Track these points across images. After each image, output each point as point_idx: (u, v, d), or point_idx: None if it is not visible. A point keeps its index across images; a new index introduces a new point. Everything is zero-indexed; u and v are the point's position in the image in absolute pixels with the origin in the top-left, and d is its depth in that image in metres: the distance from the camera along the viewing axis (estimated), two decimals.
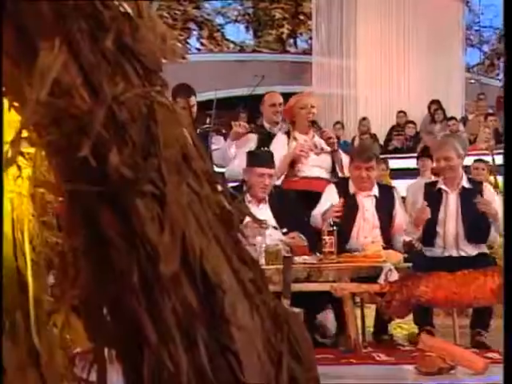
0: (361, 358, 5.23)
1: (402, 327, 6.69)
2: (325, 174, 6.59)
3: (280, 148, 6.53)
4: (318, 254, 5.71)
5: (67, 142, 1.41)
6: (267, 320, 1.51)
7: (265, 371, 1.44)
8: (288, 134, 6.68)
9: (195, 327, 1.40)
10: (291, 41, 20.09)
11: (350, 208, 6.18)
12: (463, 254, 5.84)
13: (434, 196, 6.07)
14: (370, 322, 6.21)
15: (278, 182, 6.46)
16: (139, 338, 1.38)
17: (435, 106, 15.01)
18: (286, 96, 16.99)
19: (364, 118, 15.17)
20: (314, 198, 6.29)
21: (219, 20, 20.04)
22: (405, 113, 15.34)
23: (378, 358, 5.30)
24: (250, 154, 6.40)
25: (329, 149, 6.57)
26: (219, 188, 1.58)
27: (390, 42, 16.30)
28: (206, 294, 1.42)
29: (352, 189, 6.30)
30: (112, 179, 1.39)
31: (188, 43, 19.64)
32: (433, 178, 6.60)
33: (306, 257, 5.65)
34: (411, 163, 12.27)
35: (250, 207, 6.06)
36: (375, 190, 6.34)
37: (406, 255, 5.87)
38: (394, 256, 5.65)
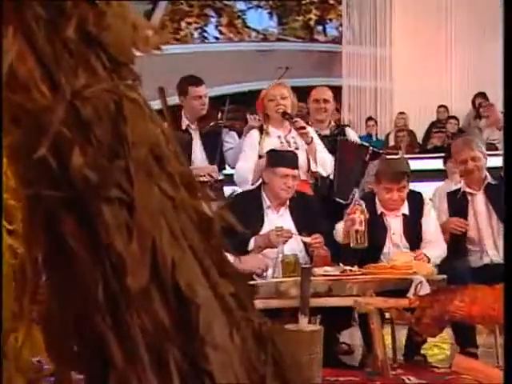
0: (388, 381, 5.21)
1: (440, 347, 6.67)
2: (302, 175, 6.49)
3: (250, 146, 6.53)
4: (341, 265, 5.68)
5: (26, 142, 1.41)
6: (250, 339, 1.50)
7: None
8: (261, 129, 6.62)
9: (167, 346, 1.39)
10: (320, 28, 19.98)
11: (376, 229, 6.09)
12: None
13: (459, 203, 6.07)
14: (402, 341, 6.19)
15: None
16: (104, 359, 1.38)
17: (480, 99, 14.88)
18: (311, 89, 17.00)
19: (401, 113, 15.07)
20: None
21: (240, 6, 19.95)
22: (446, 107, 15.23)
23: (407, 382, 5.27)
24: (272, 153, 6.41)
25: (305, 146, 6.55)
26: (199, 192, 1.57)
27: (428, 28, 16.18)
28: (179, 309, 1.42)
29: (379, 208, 6.22)
30: (75, 183, 1.39)
31: (205, 31, 19.64)
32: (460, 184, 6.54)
33: (327, 268, 5.62)
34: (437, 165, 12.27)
35: (269, 213, 6.09)
36: (404, 208, 6.23)
37: (438, 266, 5.85)
38: (425, 267, 5.61)
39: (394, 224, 6.19)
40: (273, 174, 6.01)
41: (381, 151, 7.57)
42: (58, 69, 1.38)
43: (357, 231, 5.92)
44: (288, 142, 6.51)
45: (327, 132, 7.15)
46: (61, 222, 1.40)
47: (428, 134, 14.78)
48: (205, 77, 19.08)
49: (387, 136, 14.80)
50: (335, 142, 7.00)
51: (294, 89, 17.39)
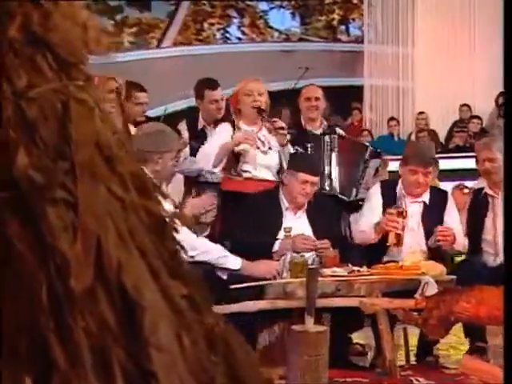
0: (396, 382, 5.20)
1: (456, 348, 6.63)
2: (272, 175, 6.49)
3: (220, 134, 6.48)
4: (350, 266, 5.67)
5: None
6: (201, 341, 1.49)
7: None
8: (233, 124, 6.53)
9: (111, 348, 1.39)
10: (342, 28, 19.93)
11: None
12: None
13: (481, 203, 6.06)
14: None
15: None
16: (49, 361, 1.38)
17: (504, 98, 14.78)
18: (336, 89, 17.04)
19: (421, 113, 15.02)
20: (248, 200, 6.19)
21: (262, 6, 19.93)
22: (469, 106, 15.15)
23: (415, 383, 5.26)
24: (294, 156, 6.42)
25: (277, 146, 6.51)
26: (153, 193, 1.56)
27: (452, 27, 16.12)
28: (125, 311, 1.41)
29: (400, 193, 6.28)
30: (19, 184, 1.39)
31: (228, 32, 19.62)
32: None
33: (335, 269, 5.61)
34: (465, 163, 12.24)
35: (287, 215, 6.09)
36: (426, 196, 6.29)
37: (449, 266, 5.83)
38: (434, 267, 5.59)
39: (413, 208, 6.23)
40: (293, 177, 6.00)
41: (379, 151, 7.54)
42: (1, 69, 1.38)
43: (398, 234, 6.00)
44: (260, 139, 6.43)
45: (320, 131, 7.12)
46: (5, 223, 1.40)
47: (450, 134, 14.73)
48: (227, 77, 19.20)
49: (409, 136, 14.78)
50: (330, 140, 6.96)
51: (336, 87, 17.12)
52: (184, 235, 5.01)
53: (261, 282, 5.32)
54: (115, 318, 1.41)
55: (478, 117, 14.73)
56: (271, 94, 17.56)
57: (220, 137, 6.41)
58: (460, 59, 15.97)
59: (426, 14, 16.13)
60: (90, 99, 1.50)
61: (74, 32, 1.49)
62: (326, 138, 6.95)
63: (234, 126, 6.47)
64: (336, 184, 6.91)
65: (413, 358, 6.13)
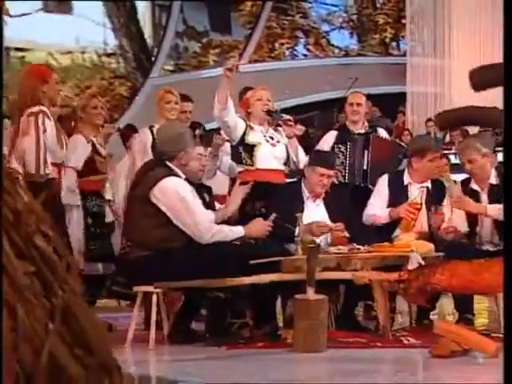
0: (387, 342, 5.10)
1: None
2: (281, 166, 6.37)
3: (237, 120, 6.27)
4: (355, 244, 5.59)
5: None
6: (39, 312, 1.47)
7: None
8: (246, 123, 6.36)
9: None
10: (394, 44, 19.71)
11: (399, 196, 6.14)
12: (497, 248, 5.65)
13: (469, 195, 5.91)
14: None
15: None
16: None
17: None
18: (386, 96, 16.82)
19: None
20: (270, 188, 6.10)
21: (325, 27, 19.84)
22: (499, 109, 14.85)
23: (405, 342, 5.16)
24: (315, 153, 6.41)
25: (284, 141, 6.41)
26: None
27: (483, 41, 15.80)
28: None
29: (407, 179, 6.24)
30: None
31: (295, 50, 19.61)
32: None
33: (340, 247, 5.54)
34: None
35: (308, 203, 6.06)
36: (428, 183, 6.22)
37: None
38: (423, 246, 5.46)
39: (417, 193, 6.15)
40: (312, 171, 5.99)
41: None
42: None
43: (410, 223, 6.00)
44: (270, 136, 6.38)
45: (362, 131, 7.07)
46: None
47: (480, 132, 14.47)
48: (295, 88, 19.11)
49: (444, 134, 14.53)
50: (368, 138, 6.96)
51: (371, 96, 17.23)
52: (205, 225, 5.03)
53: (276, 258, 5.26)
54: None
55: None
56: (330, 101, 17.52)
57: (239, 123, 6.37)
58: None
59: (460, 28, 15.85)
60: None
61: None
62: (361, 138, 6.93)
63: (246, 125, 6.31)
64: (367, 176, 6.91)
65: (413, 322, 6.03)
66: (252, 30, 18.57)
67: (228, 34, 19.48)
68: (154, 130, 6.39)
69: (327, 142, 6.94)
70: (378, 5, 20.15)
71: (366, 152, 6.87)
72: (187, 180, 5.48)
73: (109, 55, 18.74)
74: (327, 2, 20.17)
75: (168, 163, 5.38)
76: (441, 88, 16.05)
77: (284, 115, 6.67)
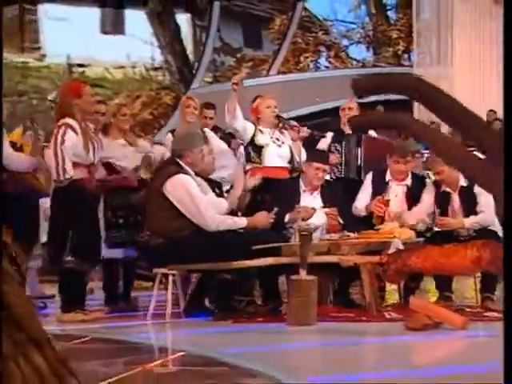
0: (372, 317, 5.07)
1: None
2: (285, 164, 6.36)
3: (246, 123, 6.29)
4: (345, 232, 5.55)
5: None
6: None
7: None
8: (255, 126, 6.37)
9: None
10: (406, 56, 19.51)
11: (381, 193, 6.04)
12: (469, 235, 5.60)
13: (441, 196, 5.83)
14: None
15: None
16: None
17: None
18: (397, 101, 16.68)
19: None
20: (274, 183, 6.07)
21: (344, 42, 19.75)
22: (494, 111, 14.58)
23: (388, 316, 5.11)
24: (311, 151, 6.39)
25: (289, 142, 6.38)
26: None
27: (481, 52, 15.58)
28: None
29: (388, 177, 6.17)
30: None
31: (318, 62, 19.53)
32: None
33: (333, 234, 5.51)
34: None
35: (305, 195, 6.03)
36: (408, 180, 6.15)
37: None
38: (405, 233, 5.41)
39: (398, 190, 6.09)
40: (309, 166, 5.96)
41: None
42: None
43: (380, 216, 5.92)
44: (276, 138, 6.37)
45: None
46: None
47: None
48: (319, 96, 18.96)
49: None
50: (360, 137, 6.91)
51: (384, 102, 17.07)
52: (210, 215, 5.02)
53: (277, 244, 5.25)
54: None
55: (499, 119, 14.18)
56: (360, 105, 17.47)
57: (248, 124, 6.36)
58: (488, 74, 15.40)
59: (460, 41, 15.65)
60: None
61: None
62: (354, 137, 6.89)
63: (256, 128, 6.33)
64: (361, 171, 6.84)
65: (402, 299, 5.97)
66: (280, 46, 18.52)
67: (259, 49, 19.51)
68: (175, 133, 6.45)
69: (325, 141, 6.91)
70: (392, 22, 20.00)
71: (359, 149, 6.85)
72: (198, 175, 5.51)
73: (156, 69, 18.88)
74: (346, 20, 20.10)
75: (179, 161, 5.40)
76: None
77: (291, 121, 6.68)
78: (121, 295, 6.20)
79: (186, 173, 5.35)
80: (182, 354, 3.85)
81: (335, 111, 18.73)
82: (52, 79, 17.88)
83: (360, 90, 1.47)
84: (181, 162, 5.41)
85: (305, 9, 18.78)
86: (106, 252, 5.95)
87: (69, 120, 5.54)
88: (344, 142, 6.89)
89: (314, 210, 5.80)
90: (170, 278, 5.28)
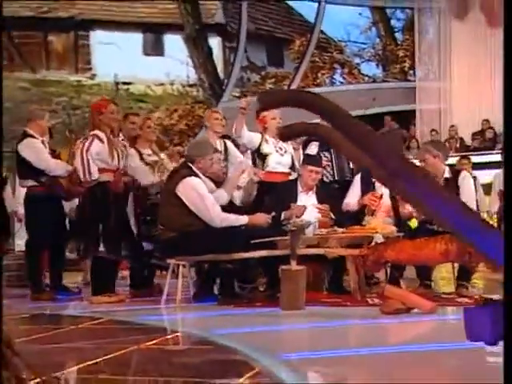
0: (356, 302, 5.03)
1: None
2: (286, 169, 6.33)
3: (253, 135, 6.29)
4: (335, 227, 5.51)
5: None
6: None
7: None
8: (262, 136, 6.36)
9: None
10: (411, 72, 19.31)
11: (368, 191, 6.00)
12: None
13: None
14: None
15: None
16: None
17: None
18: (403, 112, 16.56)
19: (452, 126, 14.40)
20: (275, 186, 6.05)
21: (356, 60, 19.61)
22: (488, 120, 14.40)
23: (370, 302, 5.06)
24: (306, 156, 6.36)
25: (291, 150, 6.36)
26: None
27: (479, 68, 15.36)
28: None
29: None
30: None
31: (334, 78, 19.45)
32: None
33: (322, 229, 5.48)
34: (490, 158, 11.87)
35: (301, 195, 6.00)
36: None
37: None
38: (387, 228, 5.35)
39: (384, 190, 6.01)
40: (304, 169, 5.95)
41: None
42: None
43: (374, 209, 5.88)
44: (280, 147, 6.34)
45: None
46: None
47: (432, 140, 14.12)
48: None
49: (445, 141, 14.19)
50: None
51: (392, 113, 16.89)
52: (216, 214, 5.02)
53: (273, 238, 5.23)
54: None
55: (492, 128, 14.01)
56: (361, 116, 17.39)
57: (251, 135, 6.36)
58: (483, 88, 15.19)
59: (458, 59, 15.50)
60: None
61: None
62: None
63: (262, 137, 6.35)
64: (353, 172, 6.79)
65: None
66: (299, 64, 18.45)
67: (281, 67, 19.51)
68: None
69: (313, 148, 6.82)
70: (399, 42, 19.83)
71: None
72: (210, 178, 5.53)
73: (191, 86, 18.99)
74: (358, 41, 19.98)
75: (191, 165, 5.43)
76: (443, 105, 15.68)
77: None
78: (145, 282, 6.26)
79: (196, 176, 5.38)
80: (177, 334, 3.86)
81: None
82: (101, 95, 18.09)
83: (264, 103, 1.47)
84: (192, 167, 5.43)
85: (321, 32, 18.68)
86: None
87: (97, 132, 5.69)
88: (332, 149, 6.81)
89: (305, 207, 5.78)
90: (181, 267, 5.31)
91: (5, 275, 7.45)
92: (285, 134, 1.71)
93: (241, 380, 2.63)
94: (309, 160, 6.05)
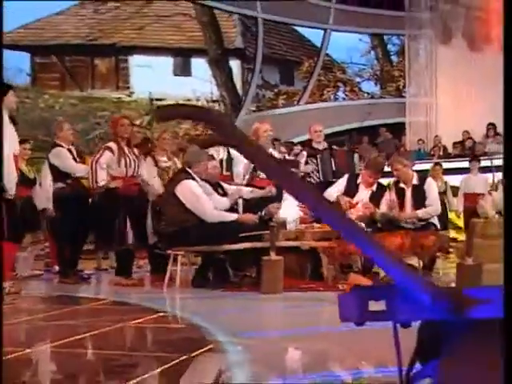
0: (327, 287, 4.97)
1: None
2: None
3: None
4: (314, 224, 5.46)
5: None
6: None
7: None
8: None
9: None
10: (405, 90, 19.12)
11: (351, 190, 5.96)
12: (415, 226, 5.45)
13: (399, 191, 5.70)
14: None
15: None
16: None
17: (490, 126, 13.77)
18: (396, 124, 16.43)
19: (436, 136, 14.20)
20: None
21: (357, 79, 19.50)
22: (468, 132, 14.15)
23: (340, 287, 5.00)
24: (284, 161, 6.34)
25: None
26: None
27: (461, 86, 15.13)
28: None
29: (359, 180, 6.06)
30: None
31: (337, 95, 19.33)
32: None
33: (303, 225, 5.45)
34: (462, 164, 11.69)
35: (286, 196, 5.94)
36: (374, 187, 6.01)
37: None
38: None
39: (364, 194, 5.97)
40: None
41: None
42: None
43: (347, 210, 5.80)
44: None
45: (325, 146, 7.02)
46: None
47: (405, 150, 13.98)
48: (338, 120, 18.60)
49: (430, 149, 14.06)
50: (331, 150, 6.87)
51: (387, 125, 16.72)
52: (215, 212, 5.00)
53: (259, 232, 5.21)
54: None
55: (471, 138, 13.79)
56: (358, 129, 17.21)
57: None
58: (464, 103, 14.97)
59: (444, 78, 15.33)
60: None
61: None
62: (327, 151, 6.85)
63: None
64: (336, 174, 6.79)
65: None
66: (307, 82, 18.34)
67: (292, 85, 19.44)
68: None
69: (303, 155, 6.82)
70: (394, 64, 19.66)
71: (332, 160, 6.77)
72: (206, 181, 5.52)
73: (214, 101, 19.02)
74: (359, 62, 19.85)
75: (188, 170, 5.44)
76: (430, 118, 15.52)
77: (283, 142, 6.66)
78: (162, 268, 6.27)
79: (193, 179, 5.38)
80: (159, 314, 3.86)
81: (349, 131, 18.50)
82: (138, 110, 18.22)
83: (162, 117, 1.46)
84: (190, 171, 5.44)
85: (327, 55, 18.56)
86: (152, 238, 6.08)
87: (110, 143, 5.75)
88: (318, 156, 6.80)
89: (279, 207, 5.71)
90: (179, 257, 5.31)
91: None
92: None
93: (192, 355, 2.62)
94: (289, 164, 6.02)
